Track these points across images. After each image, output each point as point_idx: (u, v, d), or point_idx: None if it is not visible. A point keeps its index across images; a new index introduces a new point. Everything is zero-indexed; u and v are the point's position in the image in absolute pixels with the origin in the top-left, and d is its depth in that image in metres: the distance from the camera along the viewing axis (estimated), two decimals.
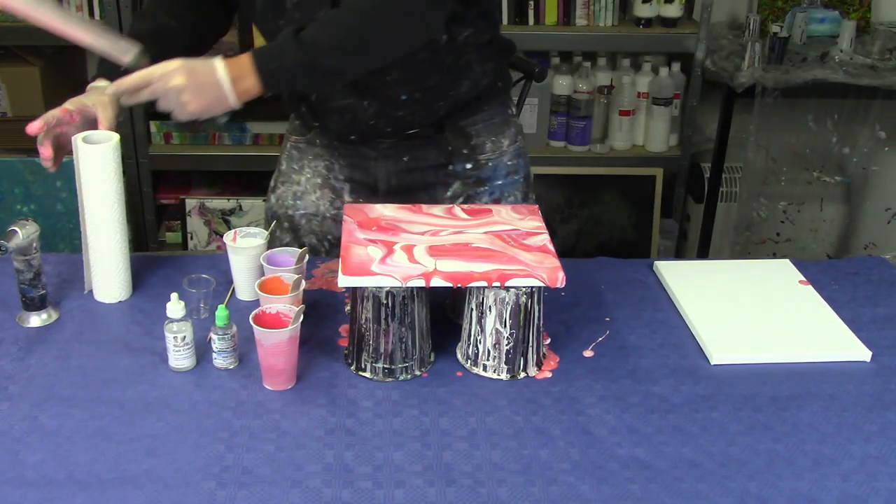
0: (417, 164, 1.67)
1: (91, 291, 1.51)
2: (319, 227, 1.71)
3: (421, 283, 1.27)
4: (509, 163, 1.70)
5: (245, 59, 1.37)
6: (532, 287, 1.29)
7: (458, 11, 1.51)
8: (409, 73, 1.54)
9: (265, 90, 1.38)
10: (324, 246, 1.72)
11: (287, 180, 1.74)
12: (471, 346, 1.34)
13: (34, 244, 1.39)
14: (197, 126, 2.86)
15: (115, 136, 1.43)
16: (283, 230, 1.72)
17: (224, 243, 1.49)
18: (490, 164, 1.68)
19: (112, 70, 1.47)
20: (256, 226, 1.82)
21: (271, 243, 1.56)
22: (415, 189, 1.69)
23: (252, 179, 2.97)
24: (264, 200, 1.79)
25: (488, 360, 1.33)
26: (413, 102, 1.57)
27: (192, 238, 2.99)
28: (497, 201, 1.68)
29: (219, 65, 1.36)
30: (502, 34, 1.70)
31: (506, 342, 1.31)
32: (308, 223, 1.71)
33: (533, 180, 1.78)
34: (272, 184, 1.78)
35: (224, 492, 1.09)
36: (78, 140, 1.41)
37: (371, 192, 1.71)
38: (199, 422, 1.21)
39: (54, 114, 1.43)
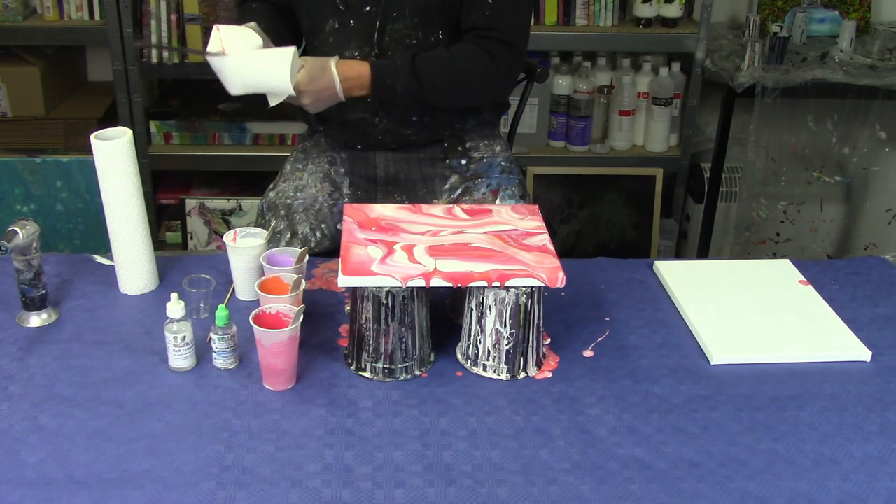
0: (416, 155, 1.78)
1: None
2: (315, 218, 1.76)
3: (421, 283, 1.27)
4: (503, 163, 1.81)
5: (363, 70, 1.59)
6: (532, 287, 1.29)
7: None
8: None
9: (372, 98, 1.62)
10: (315, 236, 1.76)
11: (290, 178, 1.81)
12: (471, 346, 1.34)
13: (34, 244, 1.39)
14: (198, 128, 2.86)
15: (128, 132, 1.46)
16: (279, 217, 1.76)
17: (224, 243, 1.49)
18: (485, 160, 1.80)
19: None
20: (256, 226, 1.83)
21: (263, 227, 1.63)
22: (413, 180, 1.79)
23: (252, 179, 2.97)
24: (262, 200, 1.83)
25: (488, 360, 1.32)
26: (421, 125, 1.72)
27: (192, 238, 2.98)
28: (496, 192, 1.76)
29: (336, 77, 1.56)
30: None
31: (506, 342, 1.31)
32: (305, 212, 1.76)
33: (528, 195, 1.86)
34: (271, 185, 1.83)
35: (224, 492, 1.09)
36: (93, 138, 1.44)
37: (370, 182, 1.80)
38: (199, 422, 1.21)
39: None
